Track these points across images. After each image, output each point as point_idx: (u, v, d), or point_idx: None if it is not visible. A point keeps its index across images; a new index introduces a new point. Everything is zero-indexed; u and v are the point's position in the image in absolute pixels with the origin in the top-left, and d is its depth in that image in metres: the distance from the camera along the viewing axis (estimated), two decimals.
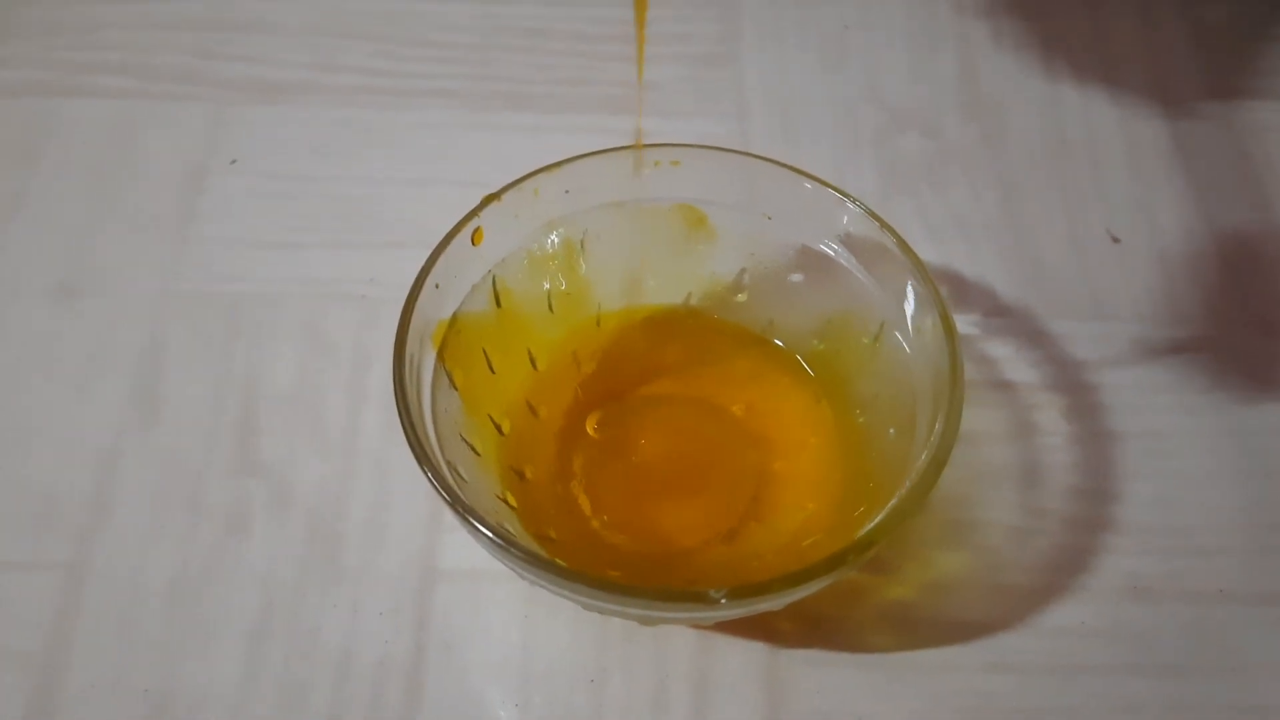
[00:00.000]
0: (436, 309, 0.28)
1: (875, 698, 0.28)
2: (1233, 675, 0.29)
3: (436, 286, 0.28)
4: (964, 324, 0.35)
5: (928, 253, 0.36)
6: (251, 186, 0.38)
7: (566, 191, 0.30)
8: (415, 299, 0.27)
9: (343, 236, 0.37)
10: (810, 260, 0.31)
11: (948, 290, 0.35)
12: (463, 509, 0.25)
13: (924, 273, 0.28)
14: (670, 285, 0.33)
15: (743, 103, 0.41)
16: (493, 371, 0.30)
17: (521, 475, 0.30)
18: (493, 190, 0.29)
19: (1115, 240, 0.37)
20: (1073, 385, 0.34)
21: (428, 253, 0.28)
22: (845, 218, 0.30)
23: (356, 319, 0.35)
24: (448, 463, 0.26)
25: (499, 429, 0.30)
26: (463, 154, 0.39)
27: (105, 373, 0.34)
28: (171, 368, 0.34)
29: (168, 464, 0.32)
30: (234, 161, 0.39)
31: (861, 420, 0.30)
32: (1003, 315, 0.35)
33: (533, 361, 0.31)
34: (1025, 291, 0.36)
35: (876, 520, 0.25)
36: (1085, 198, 0.39)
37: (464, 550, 0.30)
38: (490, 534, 0.24)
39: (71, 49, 0.42)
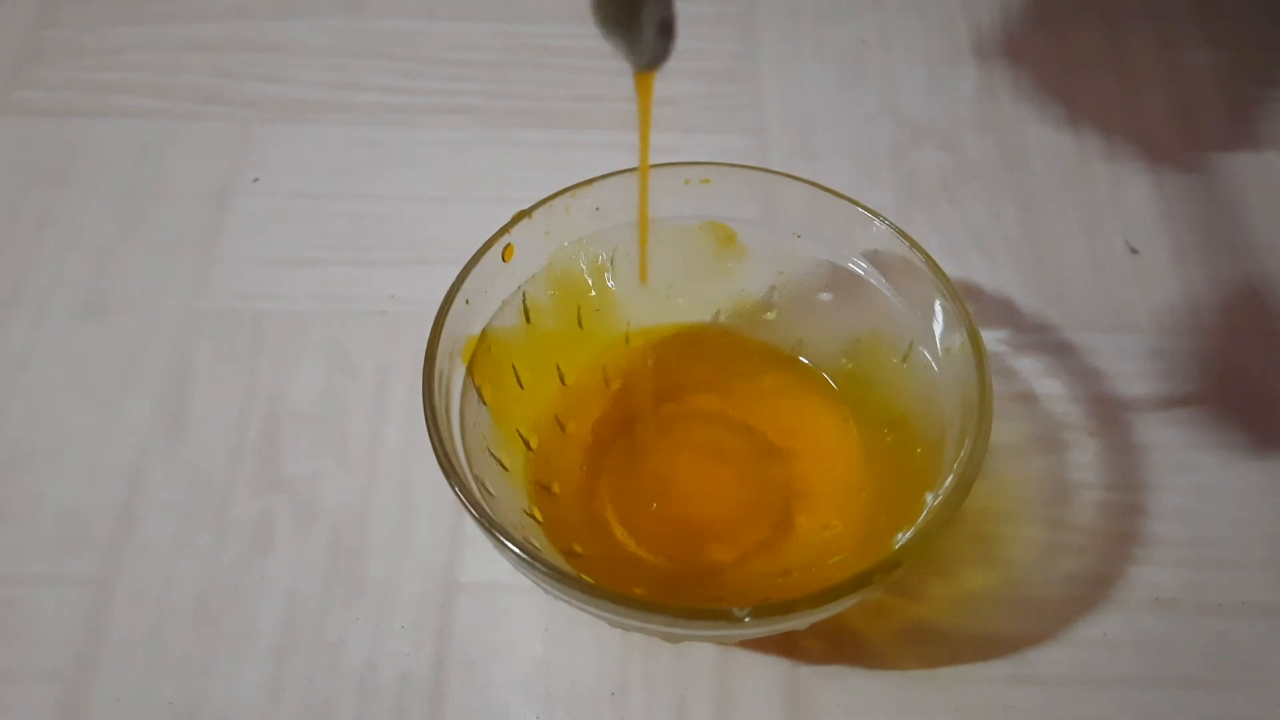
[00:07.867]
0: (466, 325, 0.29)
1: (897, 712, 0.28)
2: (1255, 687, 0.29)
3: (467, 302, 0.28)
4: (986, 338, 0.35)
5: (947, 268, 0.35)
6: (274, 205, 0.38)
7: (597, 209, 0.30)
8: (446, 314, 0.27)
9: (364, 254, 0.37)
10: (840, 279, 0.31)
11: (968, 305, 0.35)
12: (489, 524, 0.25)
13: (953, 291, 0.28)
14: (700, 303, 0.33)
15: (761, 118, 0.41)
16: (522, 387, 0.30)
17: (548, 490, 0.30)
18: (516, 207, 0.30)
19: (1134, 251, 0.37)
20: (1095, 398, 0.34)
21: (449, 269, 0.28)
22: (875, 236, 0.30)
23: (379, 335, 0.35)
24: (475, 478, 0.26)
25: (527, 444, 0.30)
26: (482, 171, 0.39)
27: (131, 390, 0.34)
28: (196, 385, 0.34)
29: (193, 480, 0.32)
30: (257, 180, 0.39)
31: (890, 439, 0.30)
32: (1023, 328, 0.36)
33: (561, 377, 0.32)
34: (1045, 304, 0.36)
35: (903, 539, 0.25)
36: (1103, 209, 0.39)
37: (485, 564, 0.30)
38: (517, 550, 0.24)
39: (97, 70, 0.42)
